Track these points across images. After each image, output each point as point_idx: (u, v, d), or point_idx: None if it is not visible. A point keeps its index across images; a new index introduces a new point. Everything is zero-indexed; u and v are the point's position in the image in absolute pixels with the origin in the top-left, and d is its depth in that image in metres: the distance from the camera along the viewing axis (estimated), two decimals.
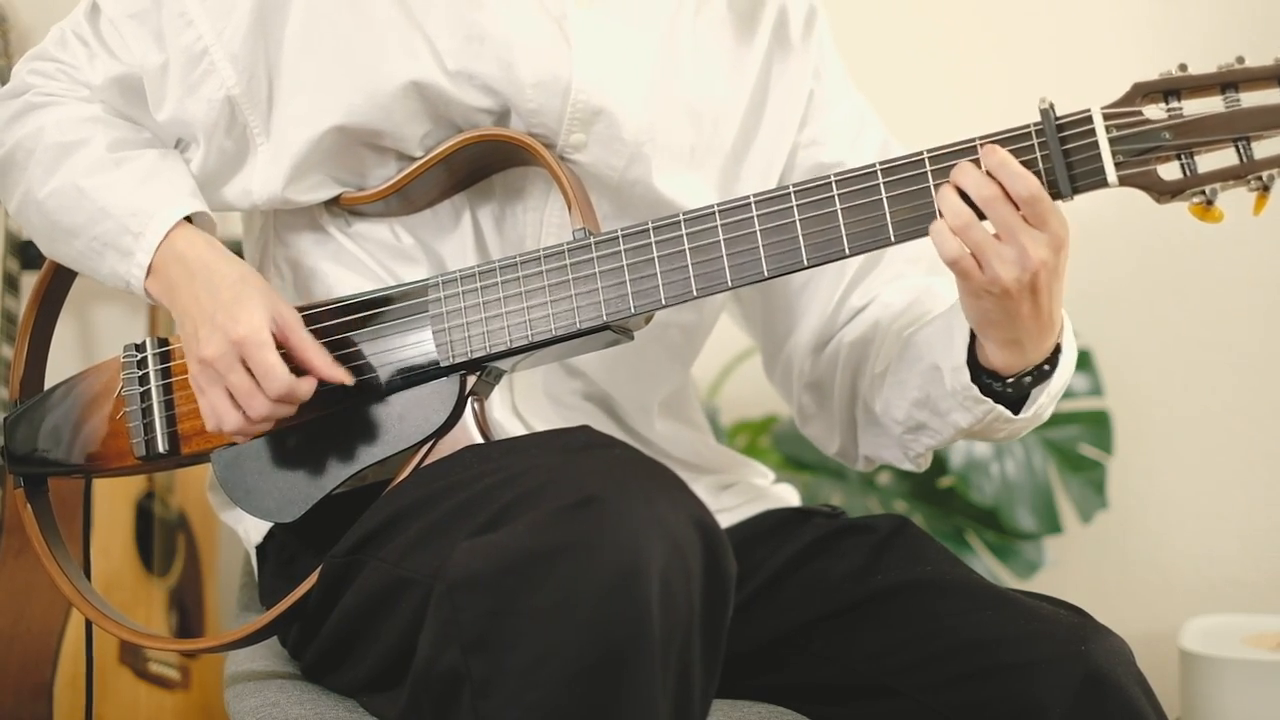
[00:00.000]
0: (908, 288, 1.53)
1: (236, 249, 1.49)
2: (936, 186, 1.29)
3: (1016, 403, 1.40)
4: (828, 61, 1.57)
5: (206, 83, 1.45)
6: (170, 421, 1.47)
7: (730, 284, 1.34)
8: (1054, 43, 2.60)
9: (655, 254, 1.35)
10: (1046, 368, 1.37)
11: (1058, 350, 1.38)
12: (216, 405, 1.37)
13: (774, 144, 1.54)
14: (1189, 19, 2.55)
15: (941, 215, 1.28)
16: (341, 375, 1.38)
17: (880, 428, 1.50)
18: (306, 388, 1.36)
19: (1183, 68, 1.26)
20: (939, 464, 2.49)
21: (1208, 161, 1.26)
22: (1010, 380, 1.38)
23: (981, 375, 1.38)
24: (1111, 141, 1.26)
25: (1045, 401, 1.40)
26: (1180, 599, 2.56)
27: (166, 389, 1.47)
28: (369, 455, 1.40)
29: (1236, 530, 2.59)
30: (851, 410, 1.54)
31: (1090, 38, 2.58)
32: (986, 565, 2.50)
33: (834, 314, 1.55)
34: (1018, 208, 1.27)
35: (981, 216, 1.28)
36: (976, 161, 1.28)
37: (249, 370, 1.35)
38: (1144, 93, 1.27)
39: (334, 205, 1.49)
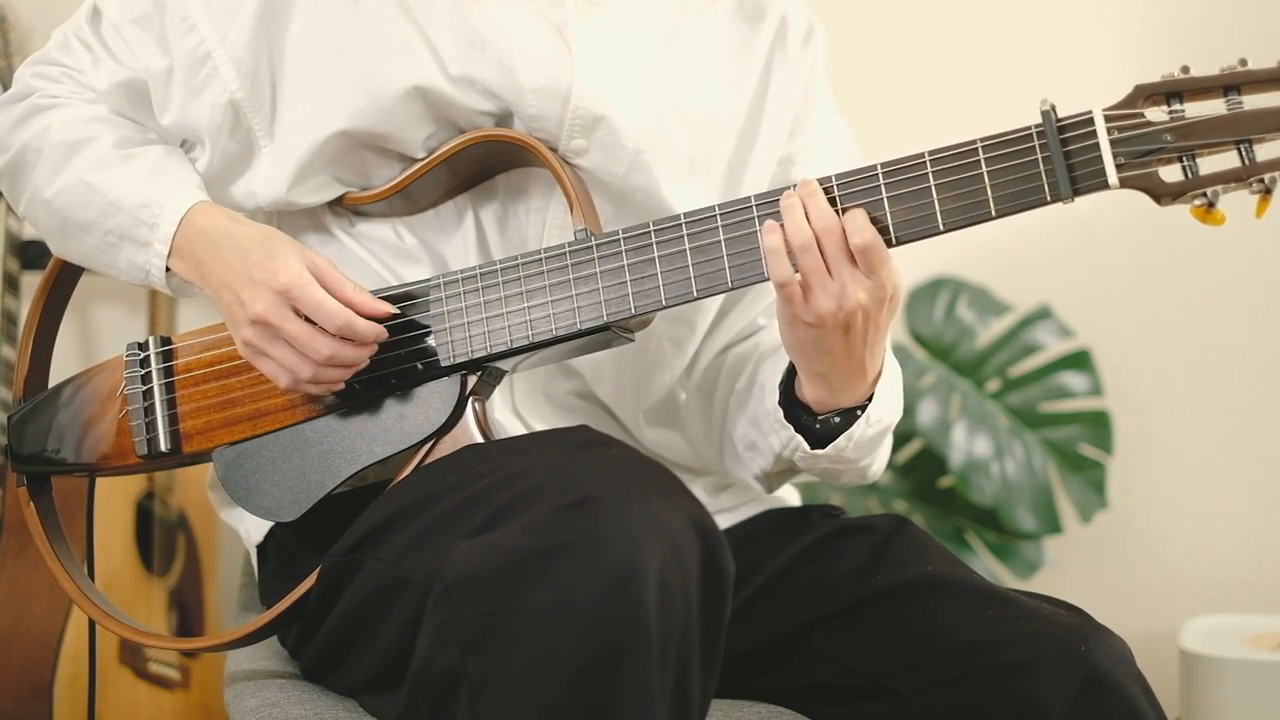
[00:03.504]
0: None
1: None
2: (936, 188, 1.30)
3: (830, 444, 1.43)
4: (816, 82, 1.58)
5: (210, 87, 1.45)
6: (172, 420, 1.47)
7: (731, 285, 1.35)
8: (1049, 40, 2.60)
9: (656, 254, 1.36)
10: (859, 413, 1.40)
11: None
12: (283, 360, 1.37)
13: (769, 153, 1.55)
14: (1186, 20, 2.55)
15: (777, 233, 1.31)
16: (385, 308, 1.38)
17: (731, 443, 1.53)
18: (363, 323, 1.36)
19: (1185, 70, 1.26)
20: (939, 464, 2.50)
21: (1209, 164, 1.26)
22: (820, 418, 1.41)
23: (796, 408, 1.42)
24: (1113, 143, 1.27)
25: (849, 446, 1.42)
26: (1180, 599, 2.56)
27: (169, 387, 1.47)
28: (369, 454, 1.40)
29: (1236, 530, 2.59)
30: (722, 421, 1.56)
31: (1085, 35, 2.58)
32: (986, 565, 2.51)
33: (742, 330, 1.58)
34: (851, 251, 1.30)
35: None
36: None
37: (303, 318, 1.35)
38: (1146, 95, 1.27)
39: (337, 205, 1.50)
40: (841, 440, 1.41)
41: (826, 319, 1.32)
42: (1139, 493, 2.60)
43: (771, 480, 1.52)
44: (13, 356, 2.32)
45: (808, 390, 1.40)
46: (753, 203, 1.34)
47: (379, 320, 1.38)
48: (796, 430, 1.43)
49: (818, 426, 1.42)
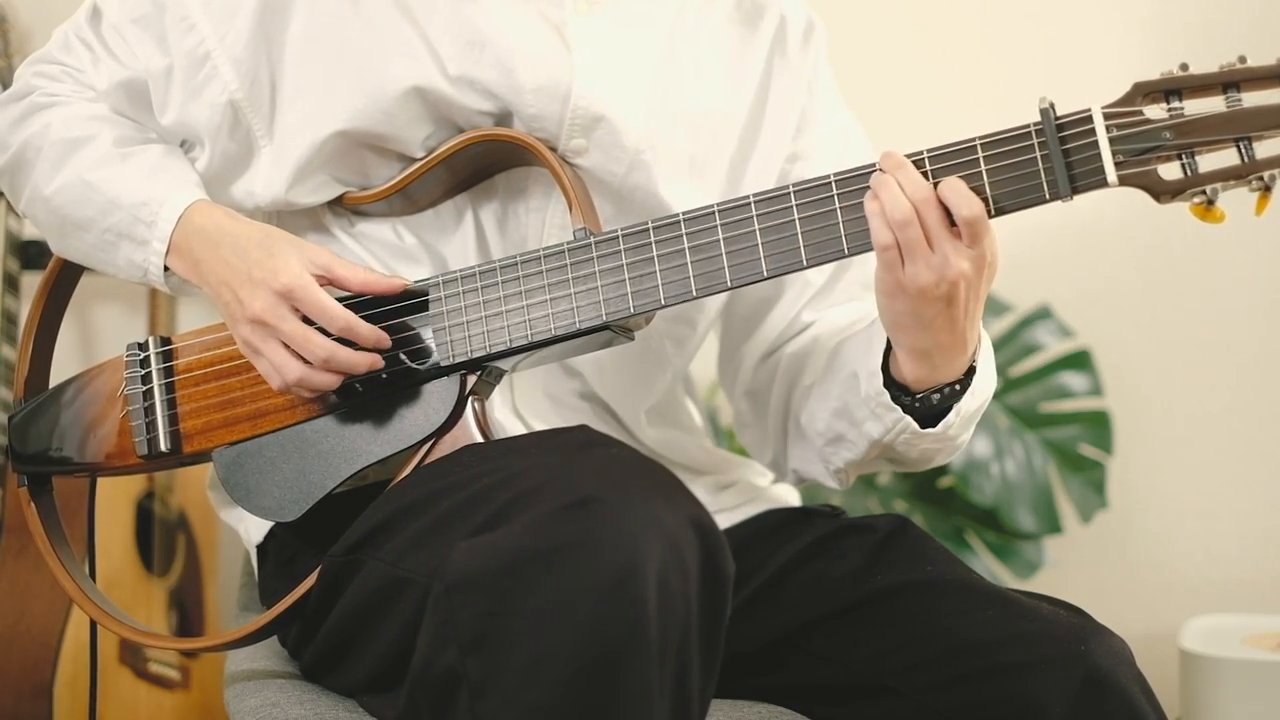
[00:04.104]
0: (853, 310, 1.55)
1: None
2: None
3: (927, 423, 1.41)
4: (821, 78, 1.58)
5: (209, 87, 1.46)
6: (172, 420, 1.47)
7: (730, 284, 1.35)
8: (1049, 39, 2.60)
9: (655, 253, 1.36)
10: (958, 388, 1.39)
11: (971, 375, 1.39)
12: (275, 360, 1.37)
13: (772, 154, 1.55)
14: (1185, 18, 2.55)
15: (878, 200, 1.29)
16: (400, 283, 1.39)
17: (805, 440, 1.51)
18: (364, 325, 1.36)
19: (1184, 67, 1.26)
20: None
21: (1209, 161, 1.26)
22: (919, 396, 1.39)
23: (892, 388, 1.39)
24: (1112, 141, 1.27)
25: (955, 422, 1.40)
26: (1180, 599, 2.55)
27: (169, 387, 1.47)
28: (369, 454, 1.40)
29: (1236, 530, 2.59)
30: (784, 422, 1.55)
31: (1086, 38, 2.58)
32: (986, 565, 2.51)
33: (786, 328, 1.57)
34: (950, 218, 1.29)
35: None
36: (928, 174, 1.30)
37: (301, 318, 1.36)
38: (1145, 92, 1.27)
39: (337, 205, 1.50)
40: (950, 416, 1.40)
41: (928, 290, 1.30)
42: (1139, 493, 2.60)
43: (852, 473, 1.50)
44: (13, 357, 2.32)
45: (907, 369, 1.38)
46: (751, 201, 1.34)
47: (396, 295, 1.39)
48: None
49: (917, 406, 1.40)
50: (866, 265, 1.53)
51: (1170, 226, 2.46)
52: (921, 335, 1.34)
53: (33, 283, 1.78)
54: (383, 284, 1.38)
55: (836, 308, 1.56)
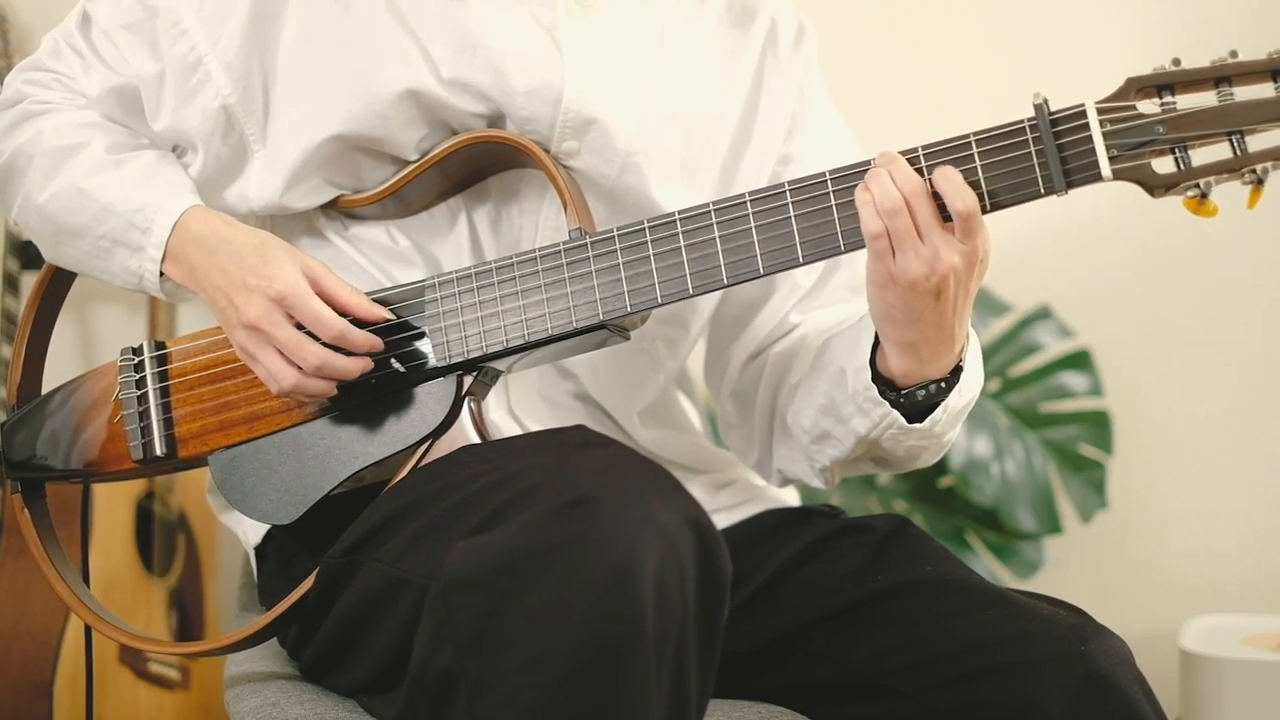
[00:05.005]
0: (839, 311, 1.55)
1: None
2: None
3: (913, 420, 1.41)
4: (812, 80, 1.59)
5: (202, 92, 1.45)
6: (168, 424, 1.46)
7: (726, 281, 1.35)
8: (1047, 39, 2.60)
9: (651, 252, 1.36)
10: (944, 385, 1.39)
11: (958, 373, 1.39)
12: (269, 366, 1.37)
13: (763, 156, 1.55)
14: (1181, 15, 2.55)
15: (869, 190, 1.30)
16: (381, 313, 1.38)
17: (791, 439, 1.51)
18: (358, 333, 1.36)
19: (1176, 62, 1.27)
20: (939, 464, 2.49)
21: (1201, 155, 1.27)
22: (905, 391, 1.39)
23: (879, 384, 1.39)
24: (1105, 135, 1.27)
25: (943, 419, 1.40)
26: (1180, 599, 2.56)
27: (164, 392, 1.47)
28: (366, 456, 1.40)
29: (1236, 530, 2.59)
30: (770, 421, 1.55)
31: (1083, 35, 2.58)
32: (986, 565, 2.51)
33: (774, 329, 1.57)
34: (943, 210, 1.29)
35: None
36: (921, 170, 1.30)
37: (295, 325, 1.36)
38: (1138, 87, 1.28)
39: (330, 209, 1.50)
40: (937, 413, 1.40)
41: (918, 283, 1.30)
42: (1139, 493, 2.60)
43: (838, 472, 1.50)
44: None
45: (894, 363, 1.38)
46: (747, 199, 1.34)
47: (375, 324, 1.38)
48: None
49: (902, 402, 1.40)
50: (855, 268, 1.53)
51: (1170, 226, 2.47)
52: (910, 329, 1.34)
53: (33, 282, 1.78)
54: (365, 312, 1.38)
55: (824, 309, 1.56)
